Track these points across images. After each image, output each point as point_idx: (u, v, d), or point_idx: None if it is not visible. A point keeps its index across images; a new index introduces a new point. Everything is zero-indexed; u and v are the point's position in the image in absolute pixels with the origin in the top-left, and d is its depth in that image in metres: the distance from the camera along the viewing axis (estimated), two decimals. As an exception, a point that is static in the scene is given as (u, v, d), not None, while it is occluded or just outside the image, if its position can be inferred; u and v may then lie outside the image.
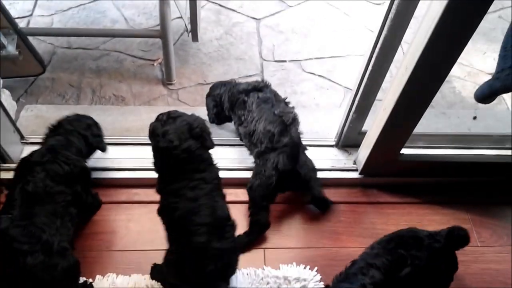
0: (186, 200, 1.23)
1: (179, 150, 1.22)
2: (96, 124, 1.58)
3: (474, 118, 1.84)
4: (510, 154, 1.68)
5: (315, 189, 1.57)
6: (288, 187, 1.58)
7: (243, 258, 1.48)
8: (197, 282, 1.21)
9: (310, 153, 1.74)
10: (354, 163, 1.71)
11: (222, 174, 1.65)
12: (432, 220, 1.64)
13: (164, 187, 1.30)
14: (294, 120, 1.51)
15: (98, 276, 1.42)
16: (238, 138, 1.71)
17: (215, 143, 1.74)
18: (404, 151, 1.59)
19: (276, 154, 1.46)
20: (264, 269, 1.47)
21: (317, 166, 1.69)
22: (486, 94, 0.85)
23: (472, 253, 1.57)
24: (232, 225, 1.30)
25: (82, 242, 1.50)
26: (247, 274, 1.45)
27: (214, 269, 1.19)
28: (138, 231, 1.54)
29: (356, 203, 1.67)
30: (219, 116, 1.76)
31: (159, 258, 1.42)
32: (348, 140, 1.74)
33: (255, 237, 1.52)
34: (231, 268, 1.27)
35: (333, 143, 1.79)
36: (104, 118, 1.83)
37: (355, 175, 1.69)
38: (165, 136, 1.22)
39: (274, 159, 1.46)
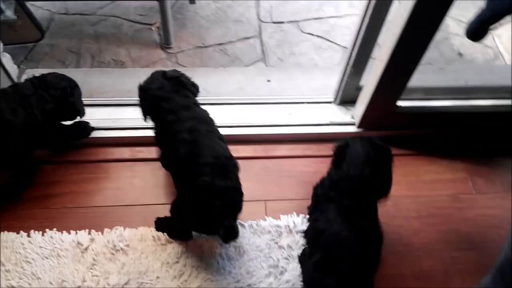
0: (186, 143, 1.29)
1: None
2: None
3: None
4: (506, 103, 1.70)
5: None
6: None
7: (245, 211, 1.52)
8: (204, 221, 1.26)
9: (308, 110, 1.78)
10: (352, 117, 1.74)
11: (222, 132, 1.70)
12: (428, 170, 1.68)
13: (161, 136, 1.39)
14: None
15: (106, 229, 1.47)
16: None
17: (215, 102, 1.80)
18: (401, 103, 1.62)
19: None
20: (265, 220, 1.52)
21: (315, 122, 1.73)
22: (476, 26, 0.86)
23: (467, 201, 1.62)
24: (235, 165, 1.34)
25: (89, 198, 1.55)
26: (248, 226, 1.51)
27: (221, 206, 1.23)
28: (142, 186, 1.59)
29: (354, 156, 1.71)
30: None
31: (163, 211, 1.47)
32: (346, 96, 1.76)
33: None
34: (237, 206, 1.31)
35: (331, 99, 1.81)
36: (104, 80, 1.85)
37: (353, 129, 1.72)
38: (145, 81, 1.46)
39: None
